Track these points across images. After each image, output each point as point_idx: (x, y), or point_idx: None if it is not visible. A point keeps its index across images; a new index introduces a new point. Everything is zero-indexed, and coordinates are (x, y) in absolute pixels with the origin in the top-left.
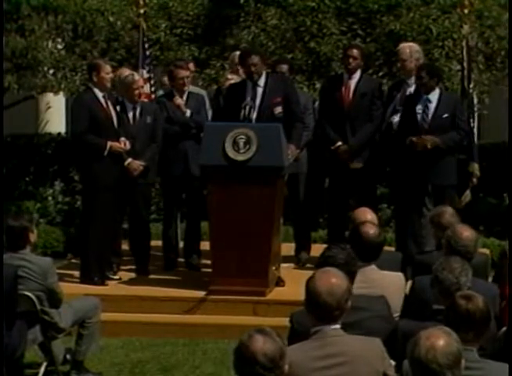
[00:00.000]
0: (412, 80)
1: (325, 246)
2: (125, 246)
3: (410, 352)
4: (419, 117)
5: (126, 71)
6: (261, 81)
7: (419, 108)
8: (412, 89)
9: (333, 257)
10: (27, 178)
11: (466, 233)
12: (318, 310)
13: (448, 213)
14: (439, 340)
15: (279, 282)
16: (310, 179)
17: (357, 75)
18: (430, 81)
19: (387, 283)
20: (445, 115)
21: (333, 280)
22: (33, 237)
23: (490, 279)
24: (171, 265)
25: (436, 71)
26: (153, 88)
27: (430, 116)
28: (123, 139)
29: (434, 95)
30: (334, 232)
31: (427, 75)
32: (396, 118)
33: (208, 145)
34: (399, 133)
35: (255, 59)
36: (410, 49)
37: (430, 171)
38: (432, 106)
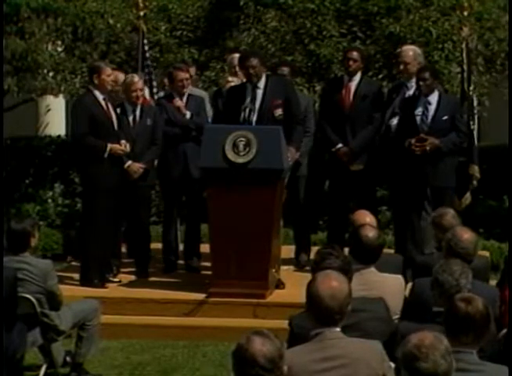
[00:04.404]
0: (412, 83)
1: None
2: (125, 248)
3: (402, 353)
4: (418, 119)
5: (119, 75)
6: (261, 84)
7: (418, 111)
8: (411, 92)
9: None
10: (27, 181)
11: (466, 235)
12: (319, 313)
13: (450, 215)
14: (428, 336)
15: (279, 284)
16: (310, 182)
17: (357, 77)
18: (433, 83)
19: (387, 286)
20: (445, 117)
21: (334, 283)
22: (34, 242)
23: (494, 282)
24: (171, 268)
25: (437, 73)
26: (155, 90)
27: (429, 118)
28: (123, 141)
29: (433, 98)
30: (334, 234)
31: (430, 76)
32: (395, 121)
33: (208, 147)
34: (398, 135)
35: (254, 61)
36: (414, 52)
37: (430, 173)
38: (432, 108)
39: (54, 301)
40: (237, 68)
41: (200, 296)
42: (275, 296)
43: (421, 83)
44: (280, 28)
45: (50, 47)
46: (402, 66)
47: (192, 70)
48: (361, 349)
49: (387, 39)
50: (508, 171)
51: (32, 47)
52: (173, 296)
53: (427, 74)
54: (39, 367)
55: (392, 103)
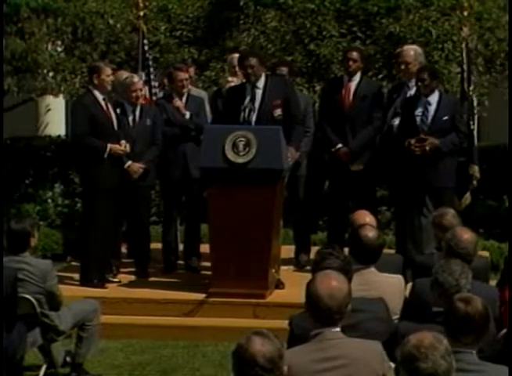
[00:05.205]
0: (413, 82)
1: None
2: (125, 248)
3: (401, 353)
4: (418, 119)
5: (124, 74)
6: (261, 84)
7: (418, 111)
8: (412, 92)
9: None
10: (27, 181)
11: (466, 235)
12: (318, 313)
13: (450, 214)
14: (427, 336)
15: (279, 284)
16: (310, 182)
17: (357, 78)
18: (432, 83)
19: (387, 286)
20: (445, 117)
21: (333, 283)
22: (33, 242)
23: (494, 282)
24: (171, 268)
25: (437, 73)
26: (155, 90)
27: (429, 118)
28: (123, 141)
29: (433, 98)
30: (334, 234)
31: (429, 77)
32: (397, 121)
33: (208, 147)
34: (399, 136)
35: (252, 61)
36: (415, 52)
37: (430, 173)
38: (432, 108)
39: (54, 301)
40: (237, 68)
41: (200, 296)
42: (275, 296)
43: (419, 84)
44: (280, 28)
45: (50, 47)
46: (403, 66)
47: (192, 70)
48: (361, 349)
49: (387, 39)
50: (508, 171)
51: (32, 47)
52: (173, 296)
53: (425, 75)
54: (39, 367)
55: (393, 102)
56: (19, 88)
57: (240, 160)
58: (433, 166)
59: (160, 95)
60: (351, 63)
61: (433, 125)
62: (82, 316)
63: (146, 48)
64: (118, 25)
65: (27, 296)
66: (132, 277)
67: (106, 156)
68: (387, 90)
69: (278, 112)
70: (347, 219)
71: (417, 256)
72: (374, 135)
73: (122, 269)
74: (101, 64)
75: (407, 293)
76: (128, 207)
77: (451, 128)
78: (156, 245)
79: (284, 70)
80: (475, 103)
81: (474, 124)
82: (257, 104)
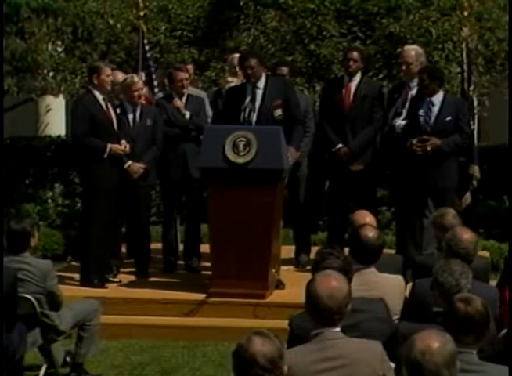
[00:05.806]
0: (415, 82)
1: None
2: (125, 248)
3: (406, 355)
4: (421, 119)
5: (119, 74)
6: (261, 84)
7: (422, 111)
8: (414, 92)
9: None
10: (27, 181)
11: (466, 235)
12: (318, 313)
13: (451, 215)
14: (434, 341)
15: (279, 284)
16: (310, 182)
17: (357, 78)
18: (432, 84)
19: (387, 286)
20: (448, 118)
21: (333, 283)
22: (33, 242)
23: (494, 282)
24: (171, 268)
25: (437, 74)
26: (155, 90)
27: (432, 119)
28: (123, 141)
29: (437, 98)
30: (334, 234)
31: (428, 78)
32: (398, 121)
33: (208, 147)
34: (403, 136)
35: (252, 61)
36: (416, 52)
37: (431, 173)
38: (435, 109)
39: (54, 301)
40: (237, 68)
41: (200, 296)
42: (275, 296)
43: (419, 84)
44: (280, 28)
45: (50, 47)
46: (404, 67)
47: (191, 67)
48: (361, 349)
49: (387, 39)
50: (508, 171)
51: (32, 47)
52: (173, 296)
53: (424, 76)
54: (39, 367)
55: (394, 102)
56: (19, 88)
57: (240, 160)
58: (435, 167)
59: (160, 95)
60: (351, 63)
61: (436, 126)
62: (82, 316)
63: (147, 48)
64: (118, 25)
65: (27, 296)
66: (132, 277)
67: (106, 156)
68: (387, 90)
69: (278, 112)
70: (348, 219)
71: (417, 256)
72: (374, 135)
73: (122, 269)
74: (101, 64)
75: (407, 293)
76: (128, 207)
77: (454, 129)
78: (156, 245)
79: (285, 70)
80: (475, 103)
81: (474, 124)
82: (257, 104)
